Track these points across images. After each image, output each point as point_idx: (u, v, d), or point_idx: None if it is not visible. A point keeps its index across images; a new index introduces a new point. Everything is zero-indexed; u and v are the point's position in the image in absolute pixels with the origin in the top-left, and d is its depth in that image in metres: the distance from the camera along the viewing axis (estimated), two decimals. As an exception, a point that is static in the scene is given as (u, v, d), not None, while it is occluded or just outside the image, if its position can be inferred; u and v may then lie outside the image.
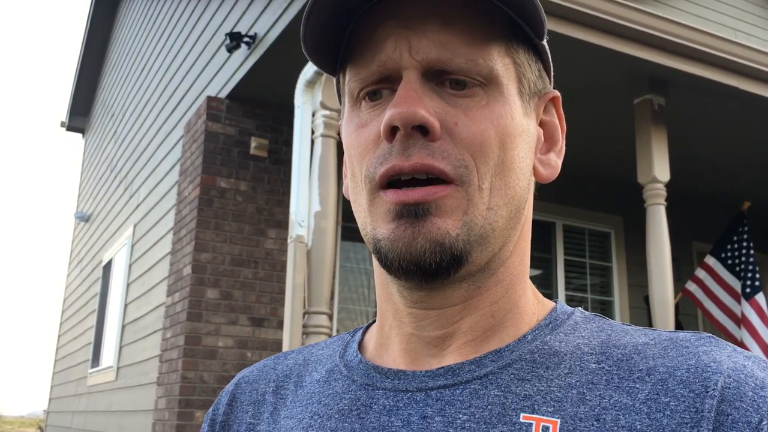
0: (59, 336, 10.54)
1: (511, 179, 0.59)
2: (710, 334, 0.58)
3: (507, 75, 0.60)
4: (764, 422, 0.50)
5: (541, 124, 0.66)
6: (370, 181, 0.58)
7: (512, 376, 0.57)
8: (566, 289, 6.11)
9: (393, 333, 0.64)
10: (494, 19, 0.59)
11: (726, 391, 0.52)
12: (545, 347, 0.59)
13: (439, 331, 0.61)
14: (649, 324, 4.90)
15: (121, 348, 6.60)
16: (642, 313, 6.12)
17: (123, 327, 6.64)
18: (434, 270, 0.56)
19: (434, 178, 0.56)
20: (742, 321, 5.14)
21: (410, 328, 0.62)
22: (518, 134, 0.60)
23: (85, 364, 8.06)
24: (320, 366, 0.68)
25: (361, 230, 0.62)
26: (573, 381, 0.56)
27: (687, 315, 6.36)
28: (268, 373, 0.71)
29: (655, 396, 0.53)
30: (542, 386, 0.56)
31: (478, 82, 0.58)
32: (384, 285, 0.64)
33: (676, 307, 5.19)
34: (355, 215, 0.63)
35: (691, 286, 5.51)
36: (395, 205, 0.56)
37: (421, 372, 0.60)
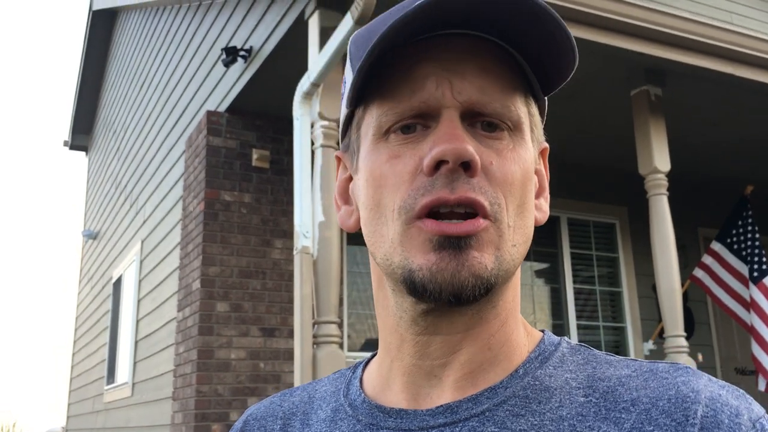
0: (74, 354, 10.61)
1: (527, 219, 0.64)
2: (686, 365, 0.62)
3: (526, 123, 0.65)
4: None
5: (535, 172, 0.69)
6: (406, 212, 0.60)
7: (507, 412, 0.60)
8: (574, 282, 6.12)
9: (395, 366, 0.66)
10: (516, 72, 0.64)
11: (705, 419, 0.56)
12: (536, 383, 0.62)
13: (440, 360, 0.64)
14: (658, 313, 4.90)
15: (135, 364, 6.64)
16: (651, 302, 6.13)
17: (136, 343, 6.69)
18: (471, 300, 0.60)
19: (472, 213, 0.59)
20: (751, 305, 5.14)
21: (413, 359, 0.65)
22: (532, 178, 0.65)
23: (101, 380, 8.11)
24: (325, 404, 0.71)
25: (381, 260, 0.63)
26: (564, 414, 0.60)
27: (696, 302, 6.36)
28: (275, 410, 0.74)
29: (640, 425, 0.57)
30: (536, 420, 0.59)
31: (507, 127, 0.62)
32: (392, 316, 0.66)
33: (685, 294, 5.20)
34: (373, 246, 0.64)
35: (698, 273, 5.52)
36: (437, 236, 0.59)
37: (422, 411, 0.63)
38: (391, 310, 0.66)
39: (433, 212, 0.60)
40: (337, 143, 3.43)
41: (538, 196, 0.70)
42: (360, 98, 0.65)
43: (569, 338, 0.69)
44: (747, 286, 5.22)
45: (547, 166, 0.72)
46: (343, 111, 0.69)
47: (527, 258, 5.95)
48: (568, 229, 6.22)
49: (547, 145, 0.71)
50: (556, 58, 0.62)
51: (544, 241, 6.06)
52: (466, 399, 0.62)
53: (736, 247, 5.36)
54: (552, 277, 6.10)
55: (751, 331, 5.13)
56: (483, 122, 0.62)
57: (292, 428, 0.71)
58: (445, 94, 0.61)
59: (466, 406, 0.62)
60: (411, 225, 0.60)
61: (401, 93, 0.62)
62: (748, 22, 5.92)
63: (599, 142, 5.69)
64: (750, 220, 5.35)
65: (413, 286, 0.60)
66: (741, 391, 0.60)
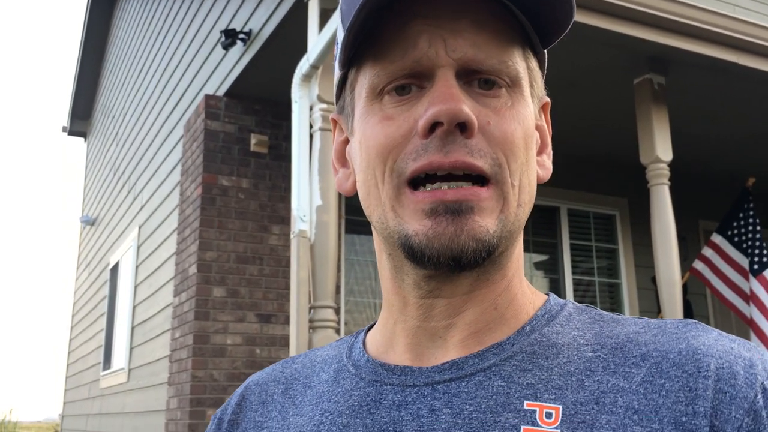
0: (71, 340, 10.60)
1: (532, 177, 0.63)
2: (695, 321, 0.62)
3: (525, 78, 0.63)
4: (758, 396, 0.54)
5: (536, 128, 0.68)
6: (398, 176, 0.59)
7: (514, 367, 0.60)
8: (573, 273, 6.09)
9: (398, 328, 0.66)
10: (512, 26, 0.62)
11: (720, 371, 0.55)
12: (543, 339, 0.62)
13: (445, 321, 0.63)
14: (658, 305, 4.87)
15: (131, 349, 6.62)
16: (650, 294, 6.10)
17: (132, 329, 6.67)
18: (472, 263, 0.59)
19: (470, 175, 0.58)
20: (750, 298, 5.11)
21: (417, 321, 0.64)
22: (533, 135, 0.64)
23: (97, 366, 8.10)
24: (327, 366, 0.70)
25: (377, 224, 0.62)
26: (572, 369, 0.59)
27: (695, 294, 6.33)
28: (276, 377, 0.73)
29: (650, 378, 0.56)
30: (543, 375, 0.59)
31: (504, 83, 0.60)
32: (394, 279, 0.65)
33: (684, 286, 5.17)
34: (368, 208, 0.63)
35: (698, 265, 5.49)
36: (431, 203, 0.58)
37: (427, 368, 0.62)
38: (394, 273, 0.65)
39: (429, 176, 0.58)
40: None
41: (540, 152, 0.68)
42: (352, 59, 0.64)
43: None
44: (747, 279, 5.19)
45: (549, 121, 0.70)
46: (337, 73, 0.68)
47: (526, 249, 5.91)
48: (568, 219, 6.18)
49: (548, 99, 0.70)
50: (552, 9, 0.60)
51: (543, 231, 6.03)
52: (472, 355, 0.61)
53: (736, 239, 5.33)
54: (551, 267, 6.08)
55: (751, 324, 5.10)
56: (479, 80, 0.60)
57: (294, 391, 0.70)
58: (438, 52, 0.59)
59: (472, 361, 0.61)
60: (402, 191, 0.59)
61: (393, 52, 0.60)
62: (751, 15, 5.87)
63: (600, 132, 5.65)
64: (751, 213, 5.31)
65: (411, 252, 0.59)
66: (751, 343, 0.59)
